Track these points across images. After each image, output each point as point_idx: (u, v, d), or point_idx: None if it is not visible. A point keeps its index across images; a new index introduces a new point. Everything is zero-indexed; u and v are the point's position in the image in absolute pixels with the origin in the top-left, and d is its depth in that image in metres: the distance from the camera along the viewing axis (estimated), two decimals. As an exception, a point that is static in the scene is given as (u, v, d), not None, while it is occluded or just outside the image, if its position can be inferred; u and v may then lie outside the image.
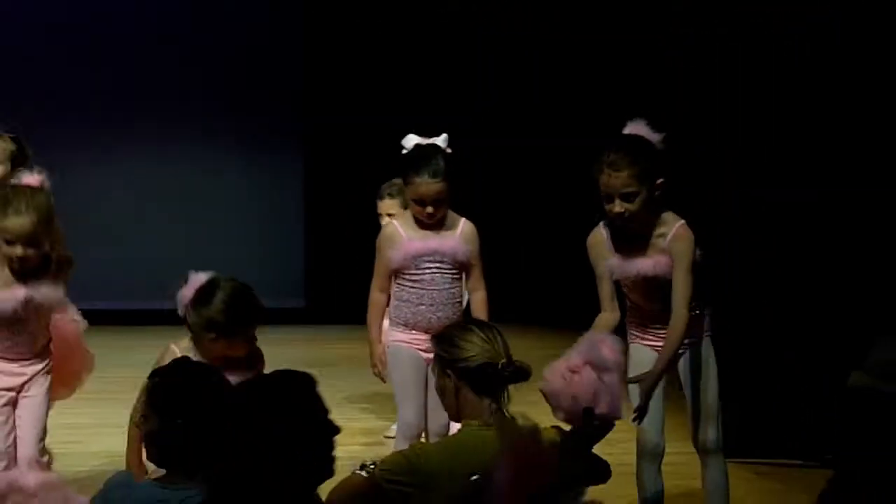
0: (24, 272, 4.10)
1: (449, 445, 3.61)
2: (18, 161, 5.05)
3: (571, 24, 9.28)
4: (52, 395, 4.37)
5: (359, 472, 3.49)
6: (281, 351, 6.73)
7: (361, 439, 5.50)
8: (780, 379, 5.26)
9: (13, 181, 4.35)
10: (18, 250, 4.02)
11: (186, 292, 3.95)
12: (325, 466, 2.76)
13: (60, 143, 9.11)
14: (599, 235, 4.27)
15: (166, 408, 3.23)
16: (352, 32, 9.81)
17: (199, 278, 3.97)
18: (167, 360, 3.71)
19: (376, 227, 5.05)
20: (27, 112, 9.81)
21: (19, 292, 4.11)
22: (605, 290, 4.22)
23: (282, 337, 6.73)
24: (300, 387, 2.79)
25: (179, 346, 3.98)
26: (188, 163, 8.53)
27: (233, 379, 3.51)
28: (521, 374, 3.50)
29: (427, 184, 4.57)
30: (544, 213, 9.51)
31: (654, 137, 4.29)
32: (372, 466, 3.49)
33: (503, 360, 3.48)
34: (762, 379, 5.51)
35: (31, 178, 4.29)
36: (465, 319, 4.34)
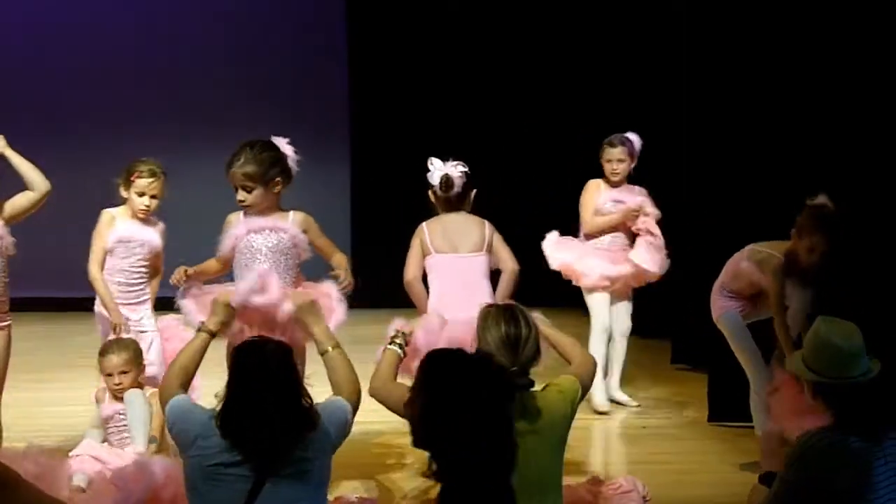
0: None
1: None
2: None
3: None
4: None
5: (390, 346, 3.98)
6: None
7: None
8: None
9: None
10: None
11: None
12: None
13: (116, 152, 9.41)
14: None
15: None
16: (397, 43, 9.76)
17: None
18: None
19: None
20: (90, 126, 10.09)
21: None
22: None
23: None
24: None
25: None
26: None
27: None
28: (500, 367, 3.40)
29: None
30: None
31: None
32: (399, 340, 3.99)
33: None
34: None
35: None
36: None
